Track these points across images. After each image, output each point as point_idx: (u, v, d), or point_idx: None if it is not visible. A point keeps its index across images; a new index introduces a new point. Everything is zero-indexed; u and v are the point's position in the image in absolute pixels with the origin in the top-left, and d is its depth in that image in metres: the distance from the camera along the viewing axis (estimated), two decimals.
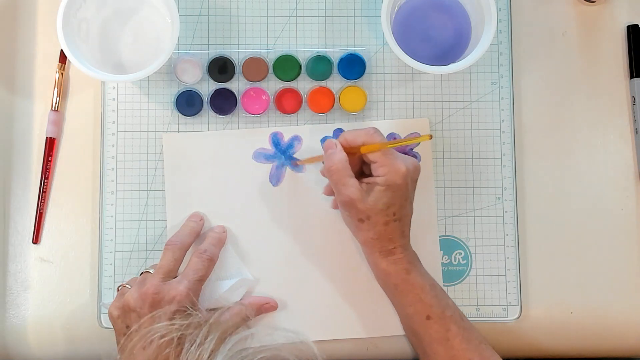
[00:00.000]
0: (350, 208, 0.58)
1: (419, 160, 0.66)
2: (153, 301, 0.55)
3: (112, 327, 0.64)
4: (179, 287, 0.56)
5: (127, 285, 0.59)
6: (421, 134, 0.67)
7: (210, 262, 0.60)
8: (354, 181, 0.57)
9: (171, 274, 0.58)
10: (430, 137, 0.56)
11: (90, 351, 0.64)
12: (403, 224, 0.59)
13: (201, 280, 0.58)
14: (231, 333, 0.58)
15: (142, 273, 0.60)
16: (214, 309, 0.60)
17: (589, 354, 0.66)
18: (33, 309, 0.65)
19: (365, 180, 0.58)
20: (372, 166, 0.58)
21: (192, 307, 0.56)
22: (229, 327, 0.58)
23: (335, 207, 0.63)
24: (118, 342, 0.57)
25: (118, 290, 0.60)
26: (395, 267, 0.59)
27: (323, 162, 0.60)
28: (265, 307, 0.63)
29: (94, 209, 0.65)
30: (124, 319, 0.56)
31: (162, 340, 0.54)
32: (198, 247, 0.61)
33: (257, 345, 0.52)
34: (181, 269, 0.60)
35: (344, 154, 0.58)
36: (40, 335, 0.64)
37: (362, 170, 0.61)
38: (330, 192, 0.62)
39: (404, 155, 0.60)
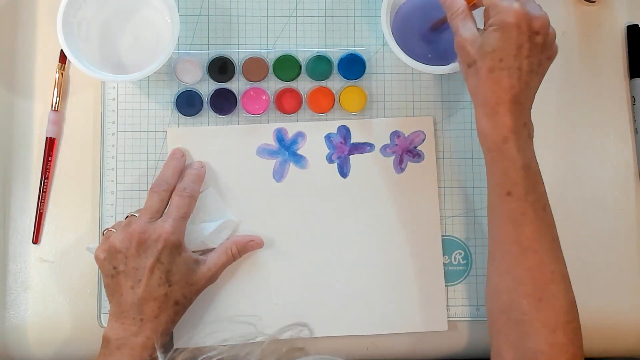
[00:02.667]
0: (460, 50, 0.55)
1: (422, 159, 0.66)
2: (139, 240, 0.56)
3: None
4: (164, 225, 0.57)
5: (112, 230, 0.59)
6: (425, 133, 0.67)
7: (192, 199, 0.60)
8: (471, 25, 0.54)
9: (157, 214, 0.59)
10: None
11: (90, 351, 0.64)
12: (513, 78, 0.52)
13: (184, 217, 0.59)
14: (219, 272, 0.61)
15: (127, 217, 0.60)
16: (199, 251, 0.61)
17: (589, 354, 0.66)
18: (33, 309, 0.65)
19: (488, 19, 0.54)
20: (485, 11, 0.55)
21: (178, 245, 0.57)
22: (218, 266, 0.60)
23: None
24: (106, 286, 0.58)
25: (103, 234, 0.60)
26: (493, 131, 0.54)
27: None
28: (251, 245, 0.63)
29: (94, 209, 0.65)
30: (111, 260, 0.57)
31: (152, 277, 0.55)
32: (178, 186, 0.61)
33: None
34: None
35: (464, 1, 0.55)
36: (40, 335, 0.64)
37: None
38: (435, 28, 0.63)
39: (537, 6, 0.54)
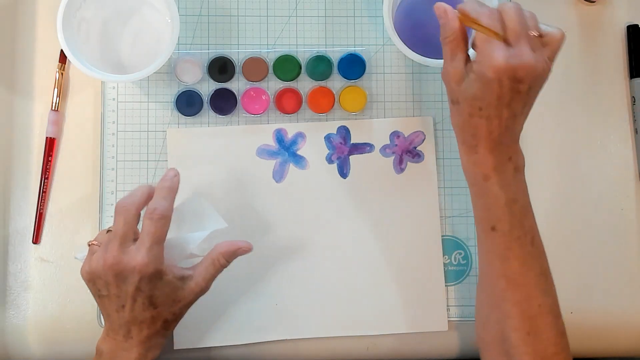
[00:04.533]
0: (446, 84, 0.53)
1: (422, 160, 0.66)
2: (115, 271, 0.53)
3: None
4: (137, 257, 0.53)
5: (95, 244, 0.57)
6: (425, 133, 0.67)
7: (164, 220, 0.54)
8: (461, 57, 0.52)
9: (127, 239, 0.54)
10: None
11: (90, 351, 0.64)
12: (492, 125, 0.51)
13: (158, 242, 0.54)
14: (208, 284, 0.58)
15: (108, 230, 0.56)
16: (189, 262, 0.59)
17: (589, 354, 0.66)
18: (33, 309, 0.65)
19: (472, 62, 0.52)
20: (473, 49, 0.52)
21: (156, 274, 0.54)
22: (207, 280, 0.57)
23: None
24: (97, 303, 0.57)
25: (89, 246, 0.57)
26: (474, 168, 0.54)
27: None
28: (240, 252, 0.58)
29: (94, 208, 0.65)
30: (94, 283, 0.55)
31: (135, 304, 0.54)
32: (148, 206, 0.55)
33: None
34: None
35: (457, 24, 0.52)
36: (40, 335, 0.64)
37: None
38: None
39: (528, 48, 0.50)
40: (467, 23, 0.52)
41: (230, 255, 0.58)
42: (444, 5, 0.53)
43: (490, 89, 0.50)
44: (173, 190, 0.57)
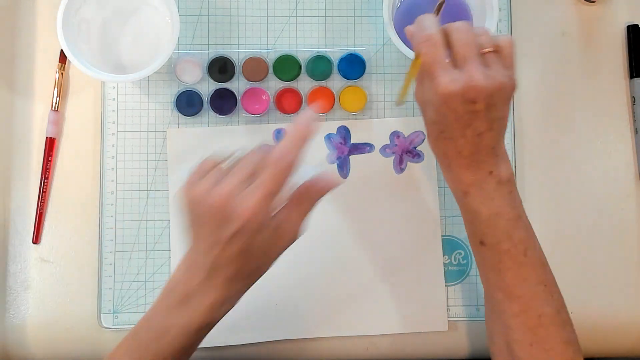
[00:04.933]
0: (419, 107, 0.53)
1: (422, 160, 0.66)
2: (219, 209, 0.47)
3: (112, 327, 0.64)
4: (248, 203, 0.46)
5: (210, 162, 0.50)
6: (425, 133, 0.67)
7: (287, 171, 0.48)
8: (427, 84, 0.50)
9: (247, 180, 0.48)
10: None
11: (90, 351, 0.64)
12: (459, 144, 0.51)
13: (273, 193, 0.47)
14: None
15: (230, 156, 0.51)
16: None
17: (589, 354, 0.66)
18: (33, 309, 0.65)
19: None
20: None
21: (260, 227, 0.47)
22: (298, 227, 0.51)
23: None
24: (185, 227, 0.51)
25: (202, 163, 0.51)
26: (452, 185, 0.54)
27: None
28: (329, 187, 0.52)
29: (94, 209, 0.65)
30: (191, 209, 0.49)
31: (227, 249, 0.48)
32: (274, 151, 0.48)
33: None
34: None
35: (435, 46, 0.49)
36: (40, 335, 0.64)
37: None
38: None
39: (477, 68, 0.48)
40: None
41: (319, 194, 0.51)
42: (410, 29, 0.52)
43: (444, 114, 0.50)
44: (306, 138, 0.49)
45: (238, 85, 0.67)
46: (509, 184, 0.53)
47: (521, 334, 0.52)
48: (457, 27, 0.50)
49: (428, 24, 0.50)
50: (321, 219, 0.65)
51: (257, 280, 0.52)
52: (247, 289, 0.52)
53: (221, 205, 0.47)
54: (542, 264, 0.54)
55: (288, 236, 0.51)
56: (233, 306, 0.51)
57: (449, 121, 0.50)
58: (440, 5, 0.59)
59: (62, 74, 0.66)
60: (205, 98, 0.66)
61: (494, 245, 0.52)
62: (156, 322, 0.50)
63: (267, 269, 0.52)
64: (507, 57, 0.50)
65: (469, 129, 0.50)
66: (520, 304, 0.52)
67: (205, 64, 0.66)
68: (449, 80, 0.48)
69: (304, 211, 0.51)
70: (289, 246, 0.51)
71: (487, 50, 0.49)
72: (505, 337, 0.53)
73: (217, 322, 0.51)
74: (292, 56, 0.66)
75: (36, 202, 0.65)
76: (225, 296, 0.50)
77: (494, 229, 0.52)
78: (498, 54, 0.50)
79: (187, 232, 0.50)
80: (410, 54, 0.61)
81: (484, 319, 0.65)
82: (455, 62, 0.49)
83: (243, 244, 0.48)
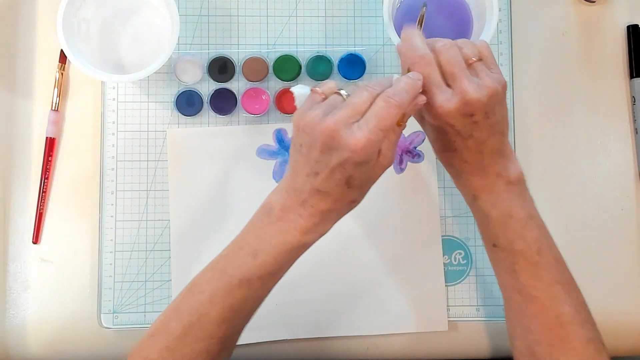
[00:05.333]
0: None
1: (422, 160, 0.66)
2: (327, 137, 0.47)
3: (112, 327, 0.64)
4: (356, 136, 0.46)
5: (319, 93, 0.50)
6: (425, 133, 0.67)
7: (398, 110, 0.47)
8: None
9: (358, 114, 0.48)
10: None
11: (90, 351, 0.64)
12: (463, 155, 0.52)
13: (383, 129, 0.47)
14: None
15: (336, 92, 0.50)
16: None
17: None
18: (33, 309, 0.65)
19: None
20: None
21: (366, 161, 0.47)
22: (392, 152, 0.50)
23: None
24: (290, 152, 0.52)
25: (312, 94, 0.51)
26: (462, 189, 0.55)
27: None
28: (418, 106, 0.50)
29: (94, 209, 0.65)
30: (299, 135, 0.50)
31: (331, 177, 0.49)
32: (387, 90, 0.48)
33: None
34: None
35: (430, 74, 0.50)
36: (40, 335, 0.64)
37: None
38: None
39: (467, 81, 0.49)
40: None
41: (407, 115, 0.50)
42: (401, 47, 0.52)
43: (444, 132, 0.51)
44: (416, 89, 0.49)
45: (238, 85, 0.67)
46: (519, 183, 0.53)
47: (541, 335, 0.52)
48: (443, 46, 0.50)
49: (418, 43, 0.51)
50: None
51: (354, 207, 0.52)
52: (342, 216, 0.52)
53: (332, 133, 0.47)
54: (558, 263, 0.54)
55: (386, 161, 0.50)
56: (324, 234, 0.51)
57: (450, 136, 0.51)
58: (422, 17, 0.59)
59: (62, 74, 0.66)
60: (205, 98, 0.66)
61: (506, 247, 0.53)
62: (249, 243, 0.51)
63: (360, 201, 0.52)
64: (489, 59, 0.51)
65: (470, 140, 0.51)
66: (537, 305, 0.52)
67: (205, 64, 0.66)
68: (444, 99, 0.49)
69: (396, 136, 0.50)
70: (384, 171, 0.50)
71: (472, 60, 0.50)
72: (525, 338, 0.53)
73: (308, 247, 0.51)
74: (292, 56, 0.66)
75: (36, 202, 0.65)
76: (319, 220, 0.50)
77: (505, 230, 0.53)
78: (481, 60, 0.51)
79: (293, 156, 0.51)
80: None
81: (484, 319, 0.66)
82: (446, 80, 0.50)
83: (348, 173, 0.48)
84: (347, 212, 0.52)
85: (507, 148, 0.53)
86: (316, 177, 0.49)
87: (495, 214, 0.53)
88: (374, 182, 0.51)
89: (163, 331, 0.50)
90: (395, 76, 0.50)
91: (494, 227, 0.53)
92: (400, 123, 0.49)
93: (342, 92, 0.50)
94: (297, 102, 0.52)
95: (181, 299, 0.52)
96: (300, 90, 0.52)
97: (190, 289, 0.51)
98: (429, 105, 0.50)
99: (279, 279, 0.52)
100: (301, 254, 0.51)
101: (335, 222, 0.51)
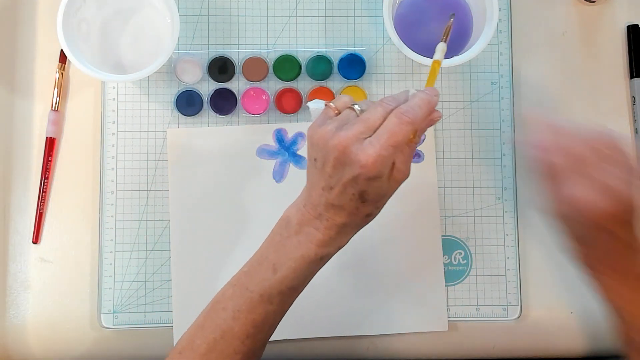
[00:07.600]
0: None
1: (422, 160, 0.66)
2: (340, 153, 0.48)
3: (112, 327, 0.64)
4: (367, 152, 0.47)
5: (333, 108, 0.51)
6: (425, 133, 0.66)
7: (411, 127, 0.48)
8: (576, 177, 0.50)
9: (371, 130, 0.48)
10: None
11: (90, 351, 0.64)
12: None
13: (394, 146, 0.47)
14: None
15: (350, 108, 0.51)
16: None
17: (590, 354, 0.66)
18: (33, 309, 0.65)
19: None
20: None
21: (378, 176, 0.48)
22: (408, 167, 0.51)
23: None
24: (307, 165, 0.53)
25: (326, 109, 0.51)
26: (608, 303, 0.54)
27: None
28: (433, 122, 0.52)
29: (94, 209, 0.65)
30: (314, 150, 0.50)
31: (345, 192, 0.49)
32: (400, 106, 0.49)
33: None
34: None
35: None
36: (40, 335, 0.64)
37: None
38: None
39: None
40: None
41: (421, 131, 0.51)
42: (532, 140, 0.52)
43: (594, 237, 0.51)
44: (431, 105, 0.50)
45: (238, 85, 0.67)
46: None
47: None
48: (567, 133, 0.50)
49: (569, 138, 0.50)
50: None
51: (371, 221, 0.52)
52: (360, 229, 0.53)
53: (343, 148, 0.48)
54: None
55: (401, 176, 0.50)
56: (341, 247, 0.52)
57: (602, 241, 0.50)
58: (449, 28, 0.58)
59: (62, 74, 0.66)
60: (205, 98, 0.66)
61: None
62: (267, 258, 0.51)
63: (376, 215, 0.52)
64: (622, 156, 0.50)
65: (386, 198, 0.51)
66: None
67: (205, 64, 0.66)
68: (599, 199, 0.48)
69: (411, 150, 0.50)
70: (400, 185, 0.51)
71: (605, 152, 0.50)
72: None
73: (326, 261, 0.52)
74: (292, 56, 0.66)
75: (36, 202, 0.65)
76: (336, 234, 0.50)
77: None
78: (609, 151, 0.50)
79: (309, 169, 0.52)
80: (411, 55, 0.61)
81: (484, 319, 0.66)
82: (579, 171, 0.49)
83: (362, 188, 0.48)
84: (363, 226, 0.52)
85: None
86: (330, 192, 0.49)
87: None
88: (389, 196, 0.51)
89: (189, 348, 0.51)
90: (412, 91, 0.50)
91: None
92: (413, 138, 0.49)
93: (356, 107, 0.50)
94: (313, 117, 0.53)
95: (205, 316, 0.52)
96: (315, 105, 0.53)
97: (212, 305, 0.52)
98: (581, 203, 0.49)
99: (300, 292, 0.53)
100: (320, 268, 0.52)
101: (352, 235, 0.52)
